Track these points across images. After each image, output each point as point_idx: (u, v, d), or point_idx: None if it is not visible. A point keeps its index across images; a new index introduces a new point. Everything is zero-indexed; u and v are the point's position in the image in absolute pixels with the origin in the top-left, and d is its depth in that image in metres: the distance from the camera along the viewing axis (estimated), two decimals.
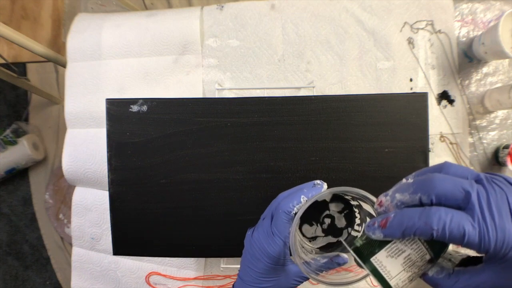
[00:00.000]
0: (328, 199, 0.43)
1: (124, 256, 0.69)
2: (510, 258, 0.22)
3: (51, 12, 1.06)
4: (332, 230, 0.43)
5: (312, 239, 0.43)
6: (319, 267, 0.35)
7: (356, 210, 0.42)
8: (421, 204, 0.25)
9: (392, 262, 0.26)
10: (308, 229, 0.43)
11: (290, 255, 0.34)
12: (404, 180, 0.27)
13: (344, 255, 0.37)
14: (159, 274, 0.69)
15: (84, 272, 0.71)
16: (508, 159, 0.62)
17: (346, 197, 0.42)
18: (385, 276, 0.26)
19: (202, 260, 0.68)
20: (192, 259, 0.67)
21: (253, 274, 0.35)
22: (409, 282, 0.27)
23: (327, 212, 0.43)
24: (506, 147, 0.63)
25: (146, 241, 0.54)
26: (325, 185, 0.35)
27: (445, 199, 0.24)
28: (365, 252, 0.28)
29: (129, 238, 0.54)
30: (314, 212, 0.43)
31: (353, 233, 0.42)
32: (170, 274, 0.69)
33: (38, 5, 1.06)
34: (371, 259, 0.27)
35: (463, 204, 0.23)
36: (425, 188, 0.24)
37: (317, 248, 0.43)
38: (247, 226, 0.39)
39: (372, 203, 0.31)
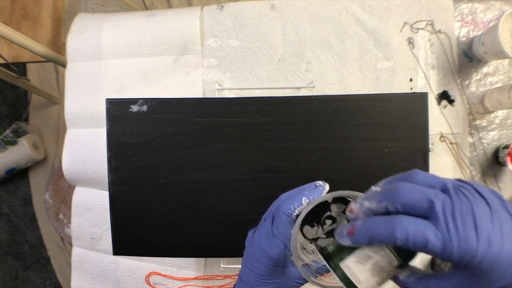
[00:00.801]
0: (330, 200, 0.43)
1: (124, 256, 0.69)
2: (474, 266, 0.22)
3: (51, 12, 1.06)
4: (334, 231, 0.43)
5: (314, 240, 0.43)
6: (319, 269, 0.35)
7: None
8: (388, 212, 0.25)
9: (360, 268, 0.27)
10: (309, 231, 0.43)
11: (291, 255, 0.34)
12: (372, 188, 0.27)
13: None
14: (159, 274, 0.69)
15: (84, 272, 0.71)
16: (508, 159, 0.62)
17: (348, 198, 0.42)
18: (353, 280, 0.27)
19: (202, 260, 0.68)
20: (192, 259, 0.67)
21: (253, 276, 0.35)
22: (378, 286, 0.28)
23: (328, 213, 0.43)
24: (506, 147, 0.63)
25: (146, 241, 0.54)
26: (327, 186, 0.35)
27: (410, 208, 0.24)
28: (335, 258, 0.29)
29: (129, 238, 0.54)
30: (316, 213, 0.43)
31: None
32: (170, 274, 0.69)
33: (38, 5, 1.06)
34: (340, 264, 0.28)
35: (428, 214, 0.24)
36: (391, 197, 0.25)
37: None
38: (247, 226, 0.39)
39: None
